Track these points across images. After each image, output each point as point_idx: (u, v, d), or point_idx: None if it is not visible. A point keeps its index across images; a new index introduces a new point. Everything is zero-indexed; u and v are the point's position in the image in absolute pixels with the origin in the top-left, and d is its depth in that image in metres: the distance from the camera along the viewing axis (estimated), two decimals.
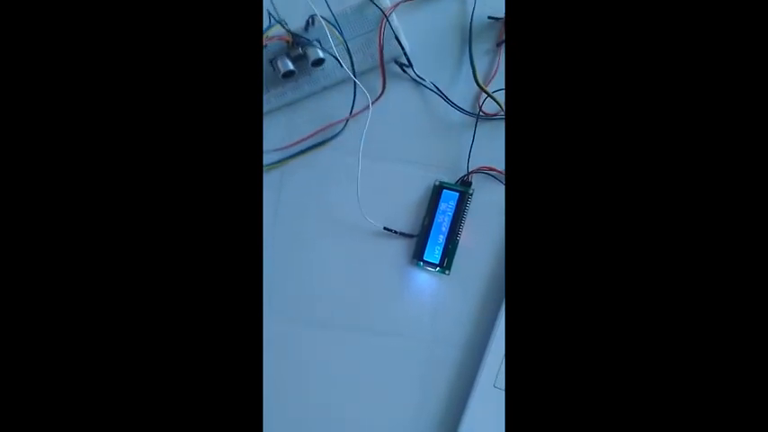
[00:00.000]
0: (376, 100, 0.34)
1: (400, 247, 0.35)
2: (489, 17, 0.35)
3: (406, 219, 0.35)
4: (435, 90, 0.35)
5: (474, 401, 0.33)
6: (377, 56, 0.34)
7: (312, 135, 0.34)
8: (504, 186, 0.34)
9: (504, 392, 0.33)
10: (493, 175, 0.35)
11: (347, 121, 0.34)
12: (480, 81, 0.34)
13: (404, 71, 0.35)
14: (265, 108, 0.34)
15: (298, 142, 0.34)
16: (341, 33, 0.33)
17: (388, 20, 0.33)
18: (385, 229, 0.34)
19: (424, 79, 0.35)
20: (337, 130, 0.35)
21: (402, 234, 0.34)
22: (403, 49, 0.34)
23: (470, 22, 0.35)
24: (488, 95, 0.34)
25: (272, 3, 0.32)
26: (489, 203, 0.34)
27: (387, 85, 0.34)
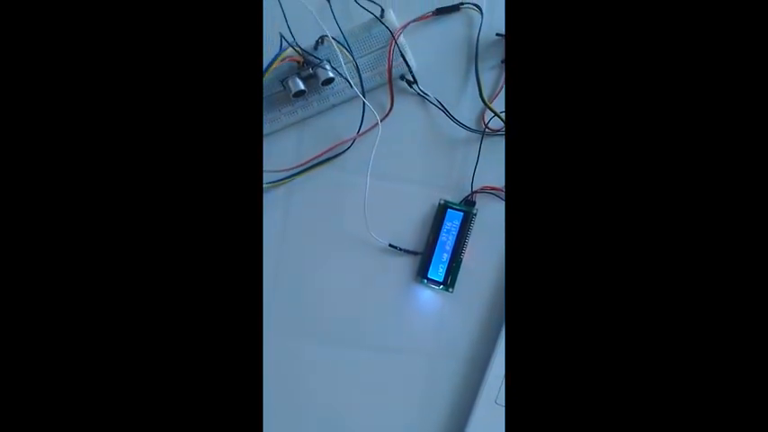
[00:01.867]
0: (384, 118, 0.34)
1: (405, 264, 0.35)
2: (497, 34, 0.35)
3: (411, 236, 0.35)
4: (440, 107, 0.35)
5: (475, 418, 0.34)
6: (385, 74, 0.34)
7: (321, 154, 0.35)
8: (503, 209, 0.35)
9: (505, 409, 0.33)
10: (496, 195, 0.35)
11: (354, 140, 0.34)
12: (486, 98, 0.34)
13: (410, 86, 0.35)
14: (276, 126, 0.35)
15: (307, 162, 0.35)
16: (350, 53, 0.33)
17: (396, 42, 0.33)
18: (390, 245, 0.34)
19: (428, 94, 0.35)
20: (344, 148, 0.35)
21: (407, 251, 0.35)
22: (409, 67, 0.34)
23: (477, 40, 0.34)
24: (495, 114, 0.34)
25: (287, 26, 0.32)
26: (492, 223, 0.35)
27: (394, 103, 0.34)
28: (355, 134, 0.34)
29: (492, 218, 0.35)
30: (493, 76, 0.35)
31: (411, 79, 0.34)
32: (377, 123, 0.33)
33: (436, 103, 0.35)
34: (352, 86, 0.33)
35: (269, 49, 0.33)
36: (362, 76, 0.34)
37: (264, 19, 0.33)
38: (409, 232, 0.35)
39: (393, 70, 0.34)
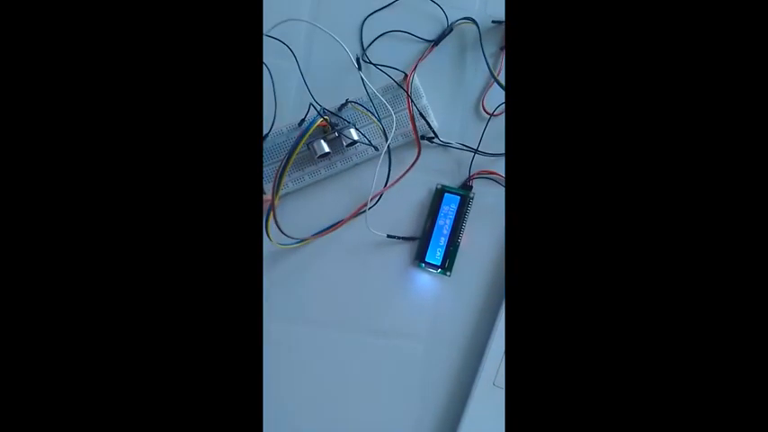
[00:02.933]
0: (408, 170, 0.34)
1: (403, 250, 0.35)
2: (493, 21, 0.36)
3: (408, 221, 0.36)
4: (463, 148, 0.35)
5: (474, 400, 0.34)
6: (409, 134, 0.35)
7: (348, 219, 0.35)
8: (503, 189, 0.35)
9: (503, 390, 0.34)
10: (493, 179, 0.35)
11: (381, 195, 0.34)
12: (497, 77, 0.34)
13: (431, 142, 0.35)
14: (299, 185, 0.35)
15: (335, 227, 0.35)
16: (376, 116, 0.34)
17: (414, 102, 0.34)
18: (388, 236, 0.35)
19: (450, 143, 0.35)
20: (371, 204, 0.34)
21: (405, 238, 0.35)
22: (431, 127, 0.35)
23: (480, 37, 0.35)
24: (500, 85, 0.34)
25: (308, 92, 0.34)
26: (490, 206, 0.35)
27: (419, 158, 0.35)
28: (383, 188, 0.34)
29: (489, 201, 0.35)
30: (491, 61, 0.36)
31: (432, 136, 0.35)
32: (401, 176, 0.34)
33: (459, 146, 0.35)
34: (377, 150, 0.34)
35: (293, 113, 0.35)
36: (392, 133, 0.34)
37: (292, 82, 0.35)
38: (407, 218, 0.36)
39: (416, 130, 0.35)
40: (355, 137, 0.34)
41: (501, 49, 0.36)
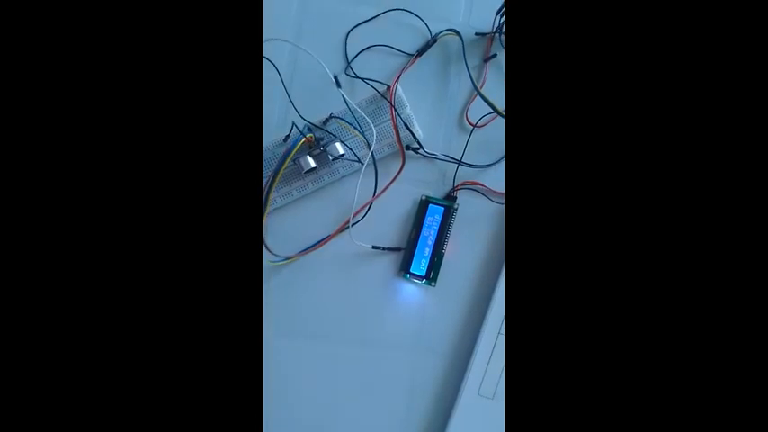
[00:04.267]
0: (392, 180, 0.35)
1: (388, 261, 0.36)
2: (477, 33, 0.36)
3: (394, 232, 0.36)
4: (449, 159, 0.36)
5: (459, 409, 0.34)
6: (394, 144, 0.35)
7: (336, 232, 0.35)
8: (487, 200, 0.35)
9: (488, 400, 0.34)
10: (477, 190, 0.36)
11: (370, 205, 0.34)
12: (480, 90, 0.35)
13: (416, 153, 0.36)
14: (287, 200, 0.36)
15: (325, 241, 0.35)
16: (359, 130, 0.34)
17: (398, 112, 0.35)
18: (374, 247, 0.35)
19: (435, 154, 0.36)
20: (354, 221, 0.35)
21: (390, 249, 0.35)
22: (416, 137, 0.35)
23: (464, 51, 0.35)
24: (488, 102, 0.34)
25: (300, 117, 0.34)
26: (474, 217, 0.35)
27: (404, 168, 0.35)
28: (369, 199, 0.34)
29: (473, 212, 0.35)
30: (474, 74, 0.36)
31: (417, 146, 0.35)
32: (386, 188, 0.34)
33: (444, 158, 0.36)
34: (361, 163, 0.34)
35: (278, 128, 0.35)
36: (373, 147, 0.34)
37: (277, 97, 0.35)
38: (392, 228, 0.36)
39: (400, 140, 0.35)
40: (341, 151, 0.34)
41: (485, 60, 0.36)
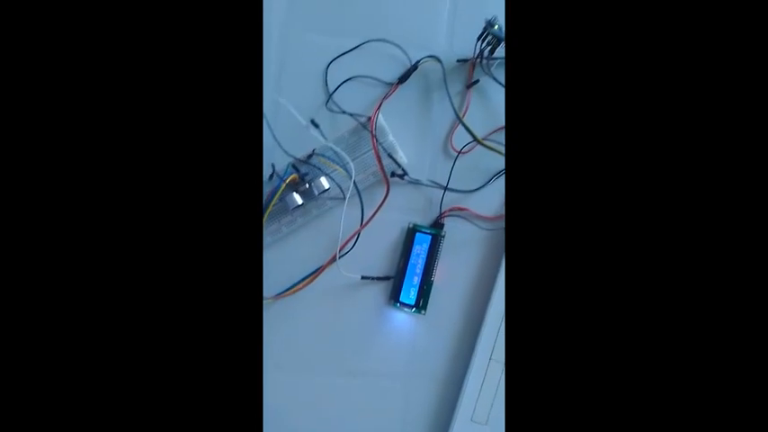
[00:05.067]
0: (378, 209, 0.35)
1: (378, 290, 0.36)
2: (458, 60, 0.36)
3: (383, 260, 0.36)
4: (434, 185, 0.36)
5: None
6: (377, 173, 0.35)
7: (326, 265, 0.35)
8: (473, 226, 0.36)
9: (482, 426, 0.34)
10: (464, 216, 0.36)
11: (358, 237, 0.35)
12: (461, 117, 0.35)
13: (402, 179, 0.36)
14: (277, 237, 0.36)
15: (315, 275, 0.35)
16: (342, 165, 0.35)
17: (379, 141, 0.35)
18: (363, 277, 0.35)
19: (420, 180, 0.36)
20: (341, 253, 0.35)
21: (379, 278, 0.36)
22: (399, 164, 0.35)
23: (445, 79, 0.35)
24: (469, 131, 0.33)
25: (279, 145, 0.34)
26: (462, 242, 0.36)
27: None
28: (357, 229, 0.34)
29: (461, 238, 0.36)
30: (456, 101, 0.36)
31: (402, 173, 0.35)
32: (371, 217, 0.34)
33: (430, 184, 0.36)
34: (345, 197, 0.34)
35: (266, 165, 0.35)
36: (357, 179, 0.35)
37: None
38: (381, 257, 0.36)
39: (384, 168, 0.35)
40: (326, 185, 0.34)
41: (467, 87, 0.36)
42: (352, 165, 0.34)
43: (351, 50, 0.36)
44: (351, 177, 0.33)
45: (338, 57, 0.36)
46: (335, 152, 0.34)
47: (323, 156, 0.35)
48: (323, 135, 0.35)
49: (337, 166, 0.34)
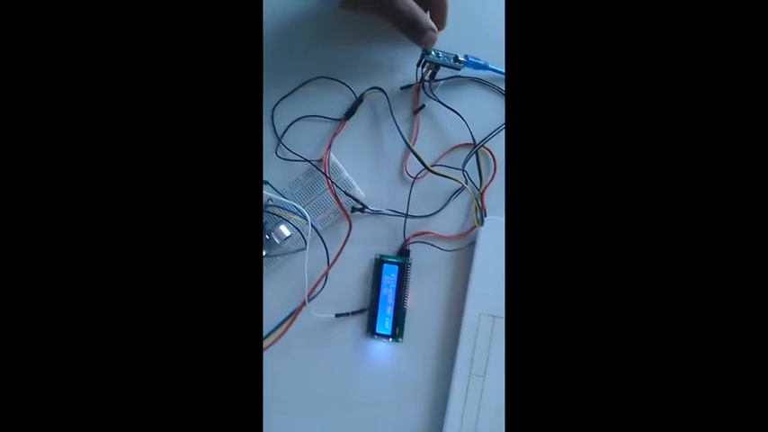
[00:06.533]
0: (342, 246, 0.35)
1: (355, 323, 0.36)
2: (402, 87, 0.36)
3: (355, 294, 0.36)
4: (395, 213, 0.36)
5: None
6: (338, 211, 0.36)
7: (297, 311, 0.36)
8: (438, 250, 0.36)
9: None
10: (427, 242, 0.36)
11: (326, 275, 0.35)
12: (411, 145, 0.35)
13: (363, 212, 0.36)
14: None
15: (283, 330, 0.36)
16: (292, 211, 0.35)
17: (332, 181, 0.35)
18: (337, 315, 0.36)
19: (381, 210, 0.36)
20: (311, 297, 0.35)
21: (353, 313, 0.36)
22: (356, 199, 0.36)
23: (390, 108, 0.36)
24: (418, 158, 0.35)
25: None
26: (429, 266, 0.36)
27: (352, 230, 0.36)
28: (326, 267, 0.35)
29: (427, 260, 0.36)
30: (406, 128, 0.37)
31: (361, 207, 0.36)
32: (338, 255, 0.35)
33: (390, 213, 0.36)
34: (306, 243, 0.35)
35: None
36: (316, 218, 0.35)
37: None
38: (353, 291, 0.36)
39: (343, 205, 0.36)
40: (287, 233, 0.35)
41: (414, 112, 0.36)
42: (305, 211, 0.34)
43: (293, 91, 0.36)
44: (308, 222, 0.34)
45: (282, 99, 0.36)
46: (286, 203, 0.35)
47: (277, 207, 0.35)
48: (276, 190, 0.35)
49: (292, 215, 0.35)
